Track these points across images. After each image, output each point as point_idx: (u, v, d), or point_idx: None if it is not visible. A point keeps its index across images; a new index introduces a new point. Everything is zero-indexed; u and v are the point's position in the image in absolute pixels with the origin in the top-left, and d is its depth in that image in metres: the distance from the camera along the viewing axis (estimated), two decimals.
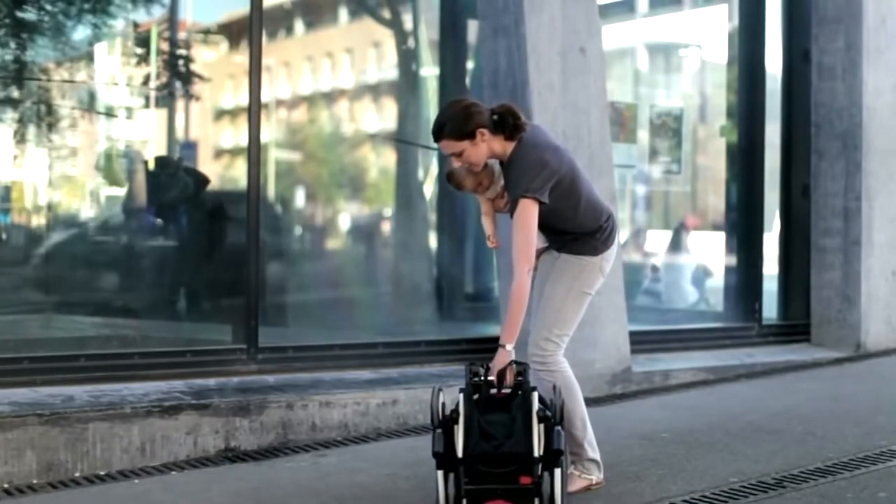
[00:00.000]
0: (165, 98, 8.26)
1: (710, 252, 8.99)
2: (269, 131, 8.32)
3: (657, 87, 9.49)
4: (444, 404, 3.91)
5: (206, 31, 8.45)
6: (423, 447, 5.12)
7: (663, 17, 9.74)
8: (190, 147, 8.48)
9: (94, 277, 7.87)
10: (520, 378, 3.94)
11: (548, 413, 3.88)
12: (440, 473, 3.85)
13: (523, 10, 6.28)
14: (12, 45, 7.40)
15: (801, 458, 4.92)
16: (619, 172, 7.77)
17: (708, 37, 9.12)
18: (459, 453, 3.81)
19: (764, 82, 8.04)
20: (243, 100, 6.29)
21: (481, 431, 3.81)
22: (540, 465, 3.83)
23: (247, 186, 6.10)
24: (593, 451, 4.41)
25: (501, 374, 3.97)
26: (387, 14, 8.88)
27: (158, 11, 8.04)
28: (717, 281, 8.78)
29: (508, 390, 3.93)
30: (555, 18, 6.37)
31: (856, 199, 7.82)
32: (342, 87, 9.18)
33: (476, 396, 3.92)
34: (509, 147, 4.22)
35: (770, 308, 8.08)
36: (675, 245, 9.35)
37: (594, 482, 4.40)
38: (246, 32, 6.23)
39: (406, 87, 8.72)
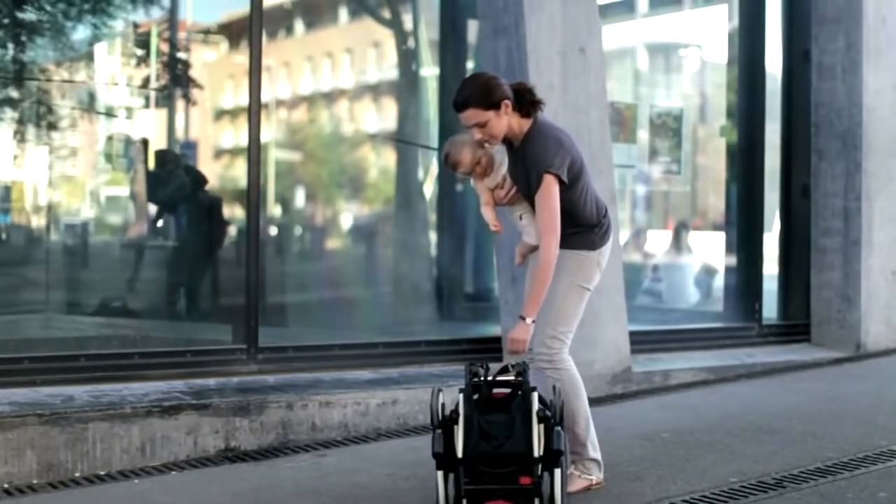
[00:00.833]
0: (165, 98, 8.27)
1: (710, 252, 8.99)
2: (269, 131, 8.33)
3: (657, 87, 9.49)
4: (443, 405, 3.91)
5: (206, 31, 8.45)
6: (423, 447, 5.11)
7: (663, 17, 9.74)
8: (190, 147, 8.49)
9: (94, 277, 7.88)
10: (520, 378, 3.94)
11: (547, 413, 3.88)
12: (440, 474, 3.85)
13: (523, 10, 6.28)
14: (12, 45, 7.40)
15: (801, 458, 4.92)
16: (619, 172, 7.77)
17: (708, 37, 9.12)
18: (459, 454, 3.81)
19: (764, 82, 8.04)
20: (243, 100, 6.29)
21: (481, 432, 3.81)
22: (540, 466, 3.83)
23: (247, 186, 6.11)
24: (594, 451, 4.42)
25: (519, 347, 3.99)
26: (387, 14, 8.88)
27: (158, 12, 8.05)
28: (717, 281, 8.79)
29: (510, 382, 3.93)
30: (555, 18, 6.37)
31: (856, 199, 7.82)
32: (342, 87, 9.18)
33: (476, 396, 3.92)
34: (525, 125, 4.26)
35: (770, 308, 8.08)
36: (676, 245, 9.35)
37: (594, 482, 4.40)
38: (246, 32, 6.23)
39: (406, 87, 8.72)
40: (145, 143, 7.89)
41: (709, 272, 9.15)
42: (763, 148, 8.03)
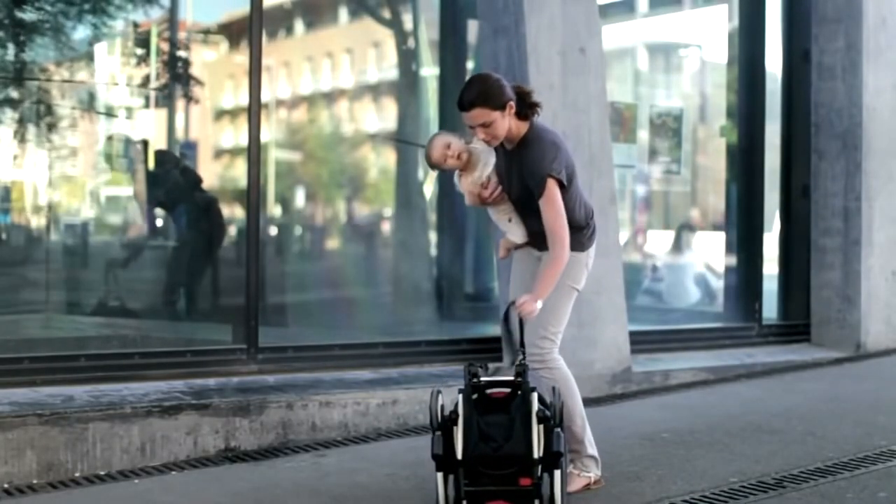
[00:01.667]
0: (165, 98, 8.27)
1: (710, 252, 8.99)
2: (269, 131, 8.33)
3: (657, 87, 9.49)
4: (443, 406, 3.91)
5: (206, 31, 8.45)
6: (422, 447, 5.11)
7: (663, 17, 9.74)
8: (190, 147, 8.49)
9: (94, 277, 7.88)
10: (519, 378, 3.94)
11: (547, 413, 3.88)
12: (440, 475, 3.85)
13: (523, 11, 6.28)
14: (12, 45, 7.40)
15: (801, 458, 4.92)
16: (619, 172, 7.78)
17: (708, 37, 9.12)
18: (459, 455, 3.81)
19: (764, 82, 8.04)
20: (243, 100, 6.29)
21: (480, 433, 3.81)
22: (539, 467, 3.83)
23: (247, 186, 6.10)
24: (592, 448, 4.43)
25: (526, 311, 4.04)
26: (387, 14, 8.88)
27: (158, 12, 8.05)
28: (717, 281, 8.79)
29: (510, 382, 3.93)
30: (555, 18, 6.37)
31: (856, 199, 7.82)
32: (342, 87, 9.19)
33: (475, 396, 3.92)
34: (522, 128, 4.29)
35: (770, 308, 8.08)
36: (676, 245, 9.35)
37: (593, 479, 4.41)
38: (246, 32, 6.23)
39: (406, 87, 8.72)
40: (145, 143, 7.89)
41: (709, 272, 9.15)
42: (763, 148, 8.03)
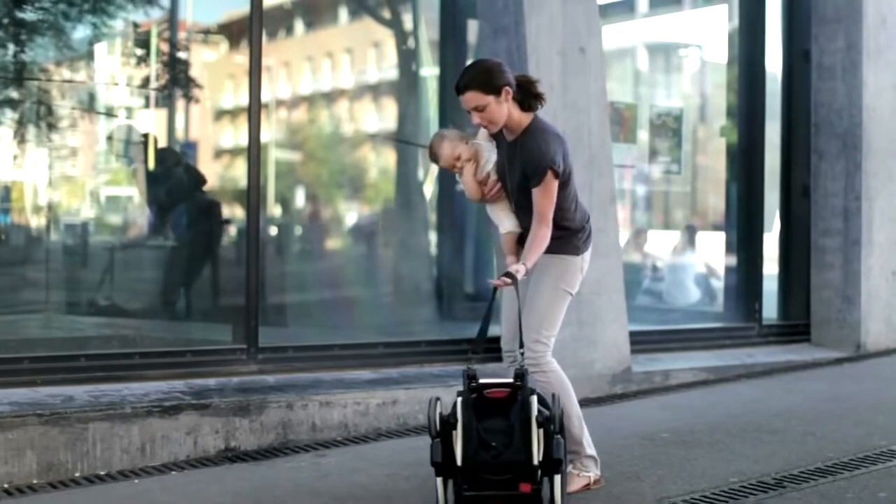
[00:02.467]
0: (165, 98, 8.27)
1: (711, 252, 8.99)
2: (269, 131, 8.33)
3: (657, 87, 9.50)
4: (441, 414, 3.90)
5: (206, 31, 8.45)
6: (422, 447, 5.11)
7: (663, 17, 9.74)
8: (190, 147, 8.49)
9: (94, 277, 7.88)
10: (518, 382, 3.94)
11: (546, 414, 3.88)
12: (439, 480, 3.86)
13: (523, 10, 6.28)
14: (12, 45, 7.40)
15: (801, 458, 4.92)
16: (619, 172, 7.78)
17: (708, 37, 9.12)
18: (459, 462, 3.81)
19: (764, 82, 8.04)
20: (243, 100, 6.29)
21: (480, 441, 3.81)
22: (540, 472, 3.83)
23: (247, 186, 6.10)
24: (591, 448, 4.43)
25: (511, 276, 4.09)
26: (387, 14, 8.89)
27: (158, 12, 8.05)
28: (718, 281, 8.79)
29: (509, 384, 3.92)
30: (555, 18, 6.37)
31: (856, 199, 7.83)
32: (342, 87, 9.19)
33: (474, 397, 3.91)
34: (525, 119, 4.30)
35: (770, 308, 8.08)
36: (676, 245, 9.36)
37: (593, 479, 4.41)
38: (246, 32, 6.23)
39: (406, 87, 8.72)
40: (145, 143, 7.89)
41: (709, 272, 9.15)
42: (763, 148, 8.02)
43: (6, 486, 4.54)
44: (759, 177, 8.02)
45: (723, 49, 8.76)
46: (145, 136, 7.94)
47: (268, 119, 8.29)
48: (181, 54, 8.28)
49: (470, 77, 4.25)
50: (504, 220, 4.45)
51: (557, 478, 3.86)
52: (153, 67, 8.14)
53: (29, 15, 7.52)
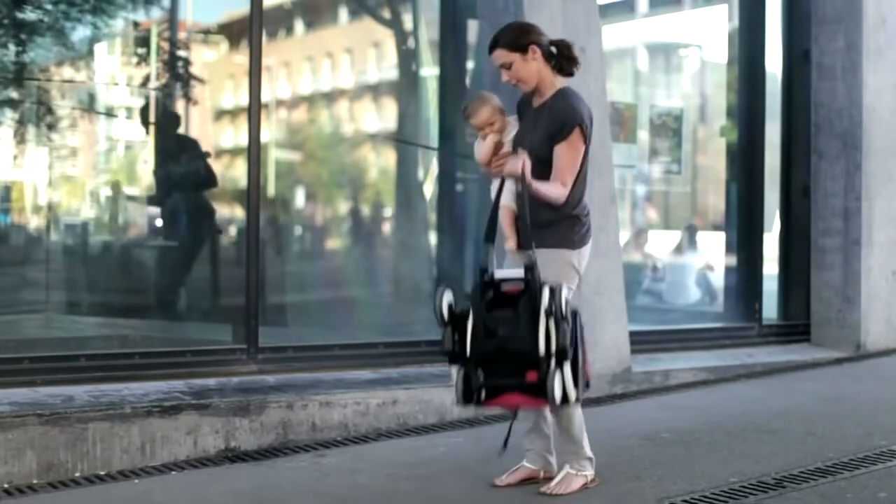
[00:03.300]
0: (165, 98, 8.27)
1: (711, 252, 8.99)
2: (269, 131, 8.33)
3: (657, 87, 9.50)
4: (450, 304, 3.97)
5: (206, 31, 8.45)
6: (423, 447, 5.12)
7: (663, 17, 9.74)
8: None
9: (94, 277, 7.88)
10: (528, 277, 3.97)
11: (555, 305, 3.91)
12: (454, 367, 3.95)
13: (523, 10, 6.27)
14: (12, 45, 7.40)
15: (801, 458, 4.92)
16: (619, 172, 7.77)
17: (708, 37, 9.12)
18: (468, 352, 3.91)
19: (764, 82, 8.04)
20: (243, 100, 6.29)
21: (486, 330, 3.91)
22: (552, 361, 3.86)
23: (247, 186, 6.10)
24: (588, 449, 4.43)
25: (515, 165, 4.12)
26: (387, 14, 8.88)
27: (158, 12, 8.06)
28: (718, 281, 8.79)
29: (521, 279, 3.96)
30: (555, 18, 6.37)
31: (856, 199, 7.83)
32: (342, 87, 9.19)
33: (491, 293, 3.99)
34: (558, 82, 4.37)
35: (770, 308, 8.08)
36: (677, 245, 9.36)
37: (590, 478, 4.41)
38: (246, 32, 6.23)
39: (406, 87, 8.72)
40: (145, 143, 7.89)
41: (709, 272, 9.15)
42: (763, 148, 8.03)
43: (6, 486, 4.54)
44: (759, 177, 8.02)
45: (723, 49, 8.76)
46: (145, 137, 7.94)
47: (268, 119, 8.28)
48: (181, 54, 8.28)
49: (499, 34, 4.37)
50: (505, 192, 4.42)
51: (567, 366, 3.90)
52: (153, 67, 8.14)
53: (29, 15, 7.52)
